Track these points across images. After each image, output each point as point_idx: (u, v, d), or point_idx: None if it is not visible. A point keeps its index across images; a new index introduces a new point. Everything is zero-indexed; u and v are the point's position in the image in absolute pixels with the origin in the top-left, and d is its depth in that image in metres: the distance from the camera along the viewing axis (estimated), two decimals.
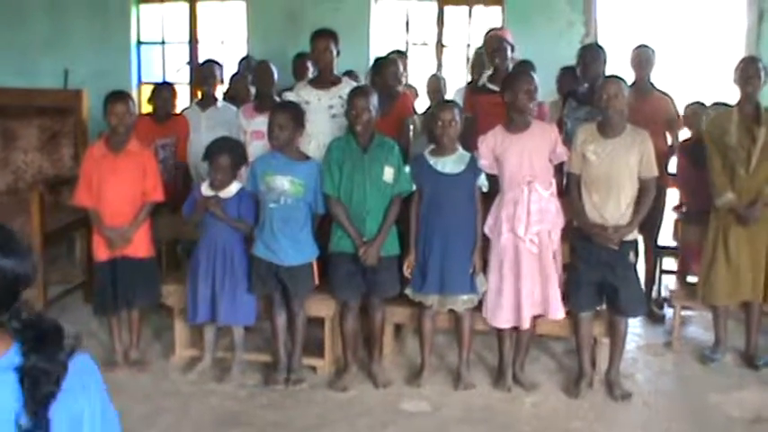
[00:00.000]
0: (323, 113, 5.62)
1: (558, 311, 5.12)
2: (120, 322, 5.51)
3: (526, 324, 5.12)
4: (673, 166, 6.67)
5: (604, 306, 5.26)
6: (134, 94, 9.25)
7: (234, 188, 5.25)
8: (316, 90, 5.71)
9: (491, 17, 8.92)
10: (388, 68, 6.17)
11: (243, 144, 5.57)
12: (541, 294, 5.10)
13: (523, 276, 5.05)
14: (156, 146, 6.13)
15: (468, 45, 9.12)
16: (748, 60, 5.77)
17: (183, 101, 7.72)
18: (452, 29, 9.31)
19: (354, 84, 5.72)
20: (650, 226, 6.31)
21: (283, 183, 5.07)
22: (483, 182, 5.14)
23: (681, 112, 6.71)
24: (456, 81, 7.90)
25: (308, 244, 5.21)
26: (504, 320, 5.17)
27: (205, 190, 5.27)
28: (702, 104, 6.55)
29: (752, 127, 5.48)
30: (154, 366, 5.59)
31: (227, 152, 5.24)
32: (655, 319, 6.65)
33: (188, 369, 5.50)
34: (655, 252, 6.82)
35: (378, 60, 6.54)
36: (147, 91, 6.97)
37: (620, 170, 5.00)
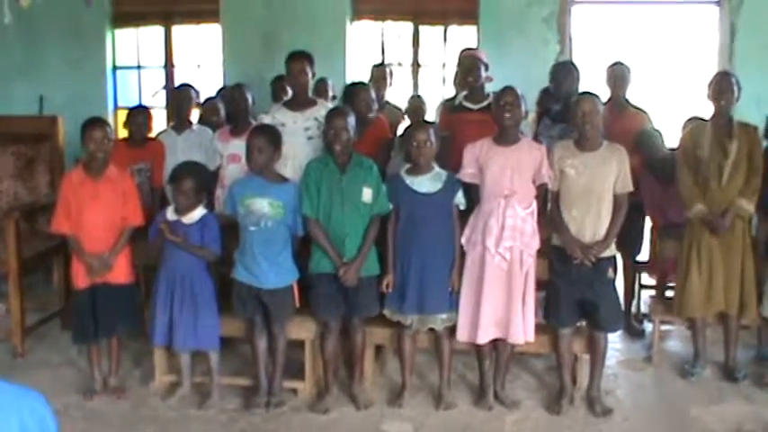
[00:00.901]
0: (299, 135, 5.62)
1: (518, 337, 5.09)
2: (99, 349, 5.47)
3: (480, 340, 5.09)
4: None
5: (584, 323, 5.27)
6: (110, 119, 9.22)
7: (197, 214, 5.24)
8: (291, 112, 5.71)
9: (466, 36, 8.96)
10: (359, 96, 6.17)
11: (208, 169, 5.54)
12: (504, 315, 5.07)
13: (485, 292, 5.04)
14: (132, 170, 6.09)
15: (444, 65, 9.16)
16: (722, 75, 5.83)
17: (159, 125, 7.70)
18: (428, 49, 9.35)
19: (329, 105, 5.73)
20: (629, 241, 6.34)
21: (263, 205, 5.06)
22: (460, 200, 5.14)
23: (657, 127, 6.75)
24: (432, 100, 7.92)
25: (288, 266, 5.20)
26: (465, 336, 5.15)
27: (170, 215, 5.25)
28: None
29: (724, 141, 5.53)
30: (133, 393, 5.53)
31: (191, 176, 5.22)
32: (634, 334, 6.67)
33: (168, 395, 5.45)
34: (633, 267, 6.85)
35: (349, 87, 6.55)
36: (123, 116, 6.94)
37: (599, 183, 5.03)
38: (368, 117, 6.12)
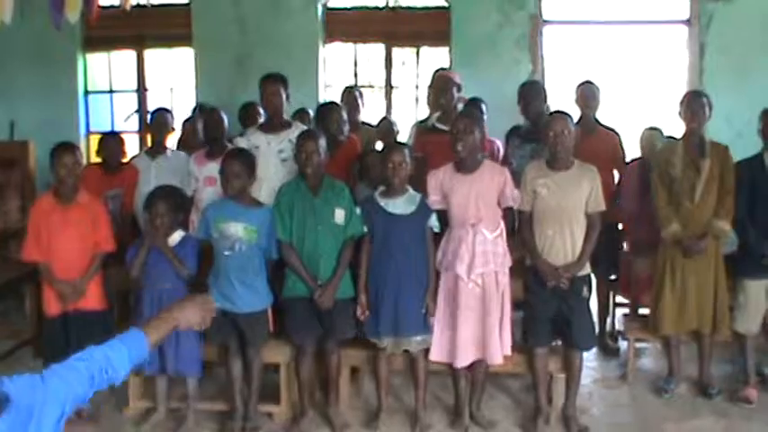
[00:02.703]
0: (273, 158, 5.63)
1: (495, 357, 5.10)
2: None
3: (460, 363, 5.10)
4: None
5: (559, 342, 5.28)
6: (82, 144, 9.18)
7: (177, 237, 5.23)
8: (265, 135, 5.72)
9: (439, 58, 9.01)
10: (330, 116, 6.18)
11: (183, 191, 5.51)
12: (482, 337, 5.08)
13: (461, 316, 5.04)
14: (107, 197, 6.06)
15: (417, 86, 9.20)
16: (693, 94, 5.89)
17: (132, 149, 7.67)
18: (401, 70, 9.39)
19: (304, 128, 5.73)
20: (603, 260, 6.37)
21: (237, 229, 5.06)
22: (434, 222, 5.16)
23: (627, 146, 6.81)
24: (405, 122, 7.95)
25: (263, 290, 5.20)
26: (438, 355, 5.15)
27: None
28: (656, 129, 6.60)
29: (696, 159, 5.58)
30: (107, 419, 5.49)
31: (165, 198, 5.22)
32: (609, 352, 6.70)
33: (142, 421, 5.42)
34: (607, 286, 6.88)
35: (321, 108, 6.57)
36: (95, 141, 6.90)
37: (571, 202, 5.06)
38: (339, 138, 6.13)
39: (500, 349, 5.09)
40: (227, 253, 5.06)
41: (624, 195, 6.56)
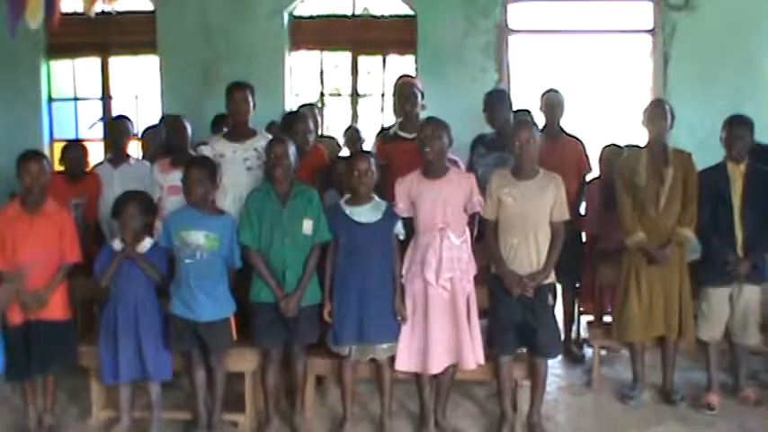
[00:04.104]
0: (238, 166, 5.61)
1: (470, 362, 5.11)
2: (34, 387, 5.34)
3: (433, 370, 5.10)
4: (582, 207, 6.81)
5: (524, 349, 5.30)
6: (46, 151, 9.10)
7: (147, 243, 5.20)
8: (231, 143, 5.70)
9: (404, 66, 9.03)
10: (298, 126, 6.17)
11: (150, 196, 5.48)
12: (455, 342, 5.10)
13: (432, 322, 5.05)
14: (70, 205, 6.01)
15: (383, 94, 9.21)
16: (656, 103, 5.93)
17: (97, 157, 7.61)
18: (367, 78, 9.39)
19: (270, 136, 5.71)
20: (568, 268, 6.40)
21: (198, 237, 5.04)
22: (400, 230, 5.17)
23: (591, 155, 6.86)
24: (372, 130, 7.95)
25: (225, 299, 5.18)
26: (408, 364, 5.15)
27: (117, 245, 5.19)
28: (618, 146, 6.67)
29: (660, 168, 5.62)
30: (70, 430, 5.44)
31: (134, 201, 5.20)
32: (574, 359, 6.74)
33: (106, 431, 5.37)
34: (572, 294, 6.92)
35: (287, 117, 6.54)
36: (59, 148, 6.84)
37: (536, 211, 5.08)
38: (305, 148, 6.12)
39: (473, 354, 5.10)
40: (188, 261, 5.04)
41: (586, 216, 6.61)
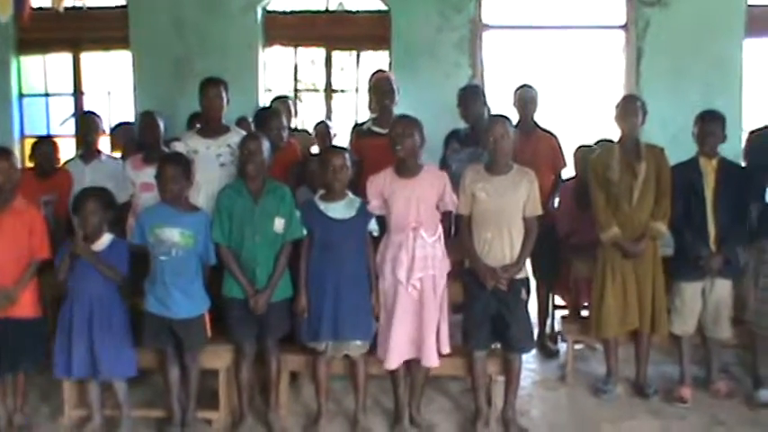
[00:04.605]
0: (211, 162, 5.59)
1: (431, 360, 5.10)
2: (4, 386, 5.29)
3: (391, 365, 5.09)
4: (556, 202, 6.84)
5: (498, 345, 5.30)
6: (16, 148, 9.02)
7: (106, 240, 5.14)
8: (204, 139, 5.67)
9: (379, 62, 9.01)
10: (272, 122, 6.16)
11: (111, 192, 5.43)
12: (418, 339, 5.08)
13: (396, 319, 5.04)
14: (40, 202, 5.96)
15: (357, 90, 9.19)
16: (628, 98, 5.97)
17: (69, 154, 7.54)
18: (341, 74, 9.37)
19: (243, 132, 5.69)
20: (543, 263, 6.43)
21: (173, 234, 5.01)
22: (373, 227, 5.16)
23: (565, 149, 6.88)
24: (346, 125, 7.93)
25: (200, 295, 5.15)
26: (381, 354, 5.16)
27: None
28: (590, 147, 6.70)
29: (633, 163, 5.64)
30: (41, 430, 5.39)
31: (94, 198, 5.14)
32: (549, 354, 6.76)
33: (77, 430, 5.33)
34: (547, 288, 6.94)
35: (260, 112, 6.51)
36: (30, 145, 6.79)
37: (509, 206, 5.10)
38: (279, 143, 6.10)
39: (436, 352, 5.10)
40: (163, 258, 5.01)
41: (560, 217, 6.63)
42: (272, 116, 6.23)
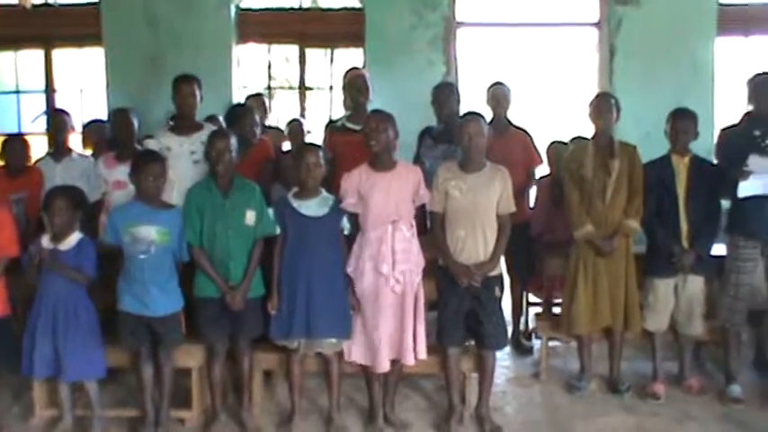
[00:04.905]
0: (185, 159, 5.56)
1: (409, 358, 5.10)
2: None
3: (382, 367, 5.09)
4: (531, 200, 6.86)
5: (472, 342, 5.31)
6: None
7: (74, 239, 5.09)
8: (177, 136, 5.65)
9: (353, 59, 9.00)
10: (245, 119, 6.14)
11: (82, 191, 5.39)
12: (398, 337, 5.09)
13: (382, 318, 5.04)
14: (11, 200, 5.90)
15: (332, 87, 9.18)
16: (601, 96, 5.98)
17: (41, 151, 7.47)
18: (315, 71, 9.36)
19: (215, 128, 5.67)
20: (517, 260, 6.44)
21: (150, 232, 4.98)
22: (345, 224, 5.15)
23: (539, 146, 6.90)
24: (321, 123, 7.92)
25: (176, 292, 5.14)
26: (359, 357, 5.15)
27: (46, 242, 5.07)
28: (563, 143, 6.75)
29: (606, 160, 5.66)
30: (12, 430, 5.34)
31: (63, 196, 5.09)
32: (523, 351, 6.78)
33: (48, 430, 5.29)
34: (521, 285, 6.96)
35: (233, 109, 6.48)
36: (0, 142, 6.72)
37: (483, 204, 5.10)
38: (251, 139, 6.08)
39: (414, 350, 5.10)
40: (142, 256, 4.97)
41: (536, 213, 6.63)
42: (244, 113, 6.21)
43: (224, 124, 6.45)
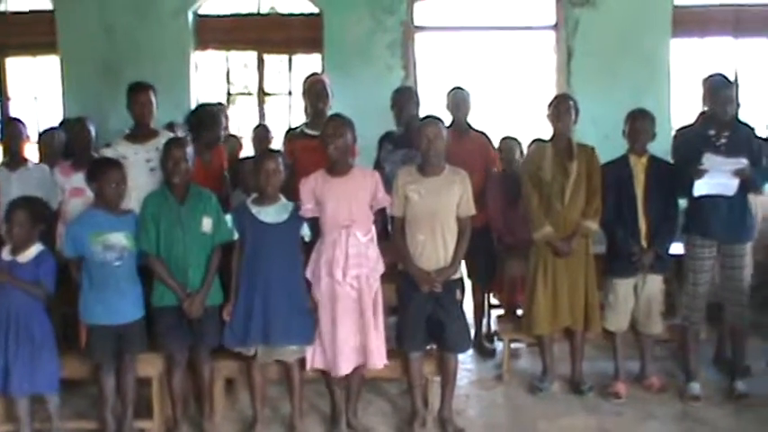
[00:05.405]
0: (141, 168, 5.52)
1: (377, 361, 5.09)
2: None
3: (342, 371, 5.07)
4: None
5: (434, 345, 5.31)
6: None
7: (33, 251, 5.03)
8: (132, 144, 5.61)
9: (311, 64, 8.99)
10: (215, 123, 6.15)
11: (44, 202, 5.33)
12: (360, 342, 5.07)
13: (339, 322, 5.02)
14: None
15: (290, 93, 9.16)
16: (560, 98, 6.01)
17: None
18: (274, 77, 9.34)
19: (172, 135, 5.63)
20: (478, 263, 6.45)
21: (120, 239, 4.97)
22: (306, 231, 5.13)
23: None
24: (281, 129, 7.90)
25: (140, 298, 5.11)
26: (320, 363, 5.12)
27: (5, 254, 5.02)
28: (515, 139, 6.78)
29: (565, 162, 5.70)
30: None
31: (24, 208, 5.04)
32: (485, 353, 6.79)
33: None
34: (482, 287, 6.97)
35: (199, 112, 6.43)
36: None
37: (443, 207, 5.09)
38: (217, 144, 6.07)
39: (379, 354, 5.09)
40: (117, 263, 4.95)
41: (491, 210, 6.64)
42: (214, 117, 6.20)
43: (185, 129, 6.39)
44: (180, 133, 6.11)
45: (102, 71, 8.75)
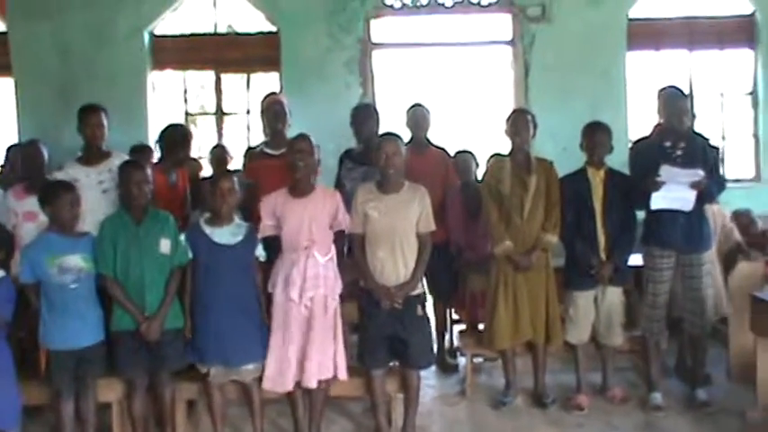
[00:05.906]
0: (93, 190, 5.47)
1: (311, 380, 5.01)
2: None
3: (287, 387, 5.03)
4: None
5: (396, 363, 5.29)
6: None
7: None
8: (84, 167, 5.57)
9: (269, 83, 8.98)
10: (186, 143, 6.15)
11: (6, 230, 5.26)
12: (303, 359, 5.02)
13: (289, 342, 5.00)
14: None
15: (249, 112, 9.13)
16: (518, 112, 6.04)
17: None
18: (231, 96, 9.31)
19: (125, 157, 5.59)
20: (438, 279, 6.43)
21: (77, 261, 4.91)
22: (260, 252, 5.12)
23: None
24: (239, 148, 7.86)
25: (101, 321, 5.05)
26: (271, 384, 5.06)
27: None
28: (470, 152, 6.79)
29: (524, 176, 5.71)
30: None
31: None
32: (448, 369, 6.77)
33: None
34: (444, 303, 6.96)
35: (172, 132, 6.36)
36: None
37: (402, 224, 5.09)
38: (185, 164, 6.06)
39: (316, 373, 5.02)
40: (73, 286, 4.88)
41: (451, 225, 6.63)
42: (186, 138, 6.17)
43: (158, 148, 6.34)
44: (155, 154, 6.08)
45: (58, 93, 8.68)
